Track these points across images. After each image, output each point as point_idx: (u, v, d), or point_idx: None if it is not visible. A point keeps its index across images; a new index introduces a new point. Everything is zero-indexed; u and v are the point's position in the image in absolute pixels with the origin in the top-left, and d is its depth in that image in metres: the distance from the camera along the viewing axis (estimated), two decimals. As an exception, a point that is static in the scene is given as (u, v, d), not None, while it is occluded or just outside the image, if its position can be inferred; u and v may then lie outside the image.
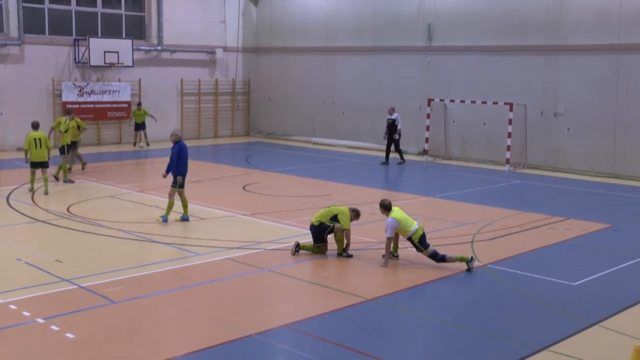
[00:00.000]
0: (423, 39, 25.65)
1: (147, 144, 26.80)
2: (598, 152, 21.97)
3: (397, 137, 23.25)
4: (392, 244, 11.65)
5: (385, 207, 11.63)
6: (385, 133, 23.57)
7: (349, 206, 12.44)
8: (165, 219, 14.10)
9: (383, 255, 11.64)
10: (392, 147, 23.45)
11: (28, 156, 16.72)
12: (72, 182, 18.48)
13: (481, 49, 24.20)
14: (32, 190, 16.95)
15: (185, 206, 14.35)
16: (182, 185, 14.28)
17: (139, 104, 27.16)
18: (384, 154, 23.70)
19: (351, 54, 28.21)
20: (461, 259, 11.34)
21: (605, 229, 14.58)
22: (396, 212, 11.52)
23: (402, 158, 23.55)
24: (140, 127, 26.89)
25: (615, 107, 21.49)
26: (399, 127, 23.28)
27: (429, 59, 25.61)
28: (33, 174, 16.97)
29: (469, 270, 11.24)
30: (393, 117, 23.34)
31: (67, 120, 18.82)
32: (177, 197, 14.36)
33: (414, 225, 11.44)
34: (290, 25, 30.27)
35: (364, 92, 27.77)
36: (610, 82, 21.53)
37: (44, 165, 16.95)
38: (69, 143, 18.61)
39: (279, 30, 30.72)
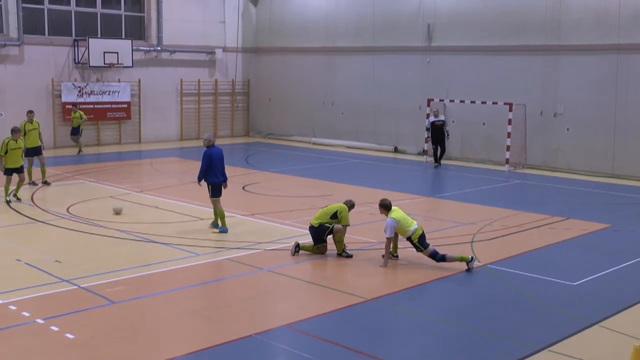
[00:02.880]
0: (423, 39, 25.65)
1: (80, 151, 24.56)
2: (598, 152, 21.97)
3: (448, 139, 23.05)
4: (391, 244, 11.66)
5: (386, 207, 11.62)
6: (429, 136, 23.22)
7: (345, 200, 12.42)
8: (223, 230, 13.47)
9: (383, 256, 11.65)
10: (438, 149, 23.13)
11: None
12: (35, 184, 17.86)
13: (481, 49, 24.20)
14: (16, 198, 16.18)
15: (221, 217, 13.53)
16: (215, 194, 13.51)
17: (75, 105, 25.02)
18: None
19: (351, 54, 28.20)
20: (461, 259, 11.34)
21: (605, 228, 14.58)
22: (395, 212, 11.51)
23: (439, 160, 23.25)
24: (74, 131, 24.56)
25: (615, 107, 21.49)
26: (447, 128, 23.10)
27: (429, 59, 25.61)
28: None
29: (468, 270, 11.24)
30: (442, 118, 23.04)
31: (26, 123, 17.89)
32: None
33: (413, 225, 11.44)
34: (290, 26, 30.26)
35: (363, 92, 27.77)
36: (610, 82, 21.53)
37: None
38: (32, 146, 17.69)
39: (279, 31, 30.71)
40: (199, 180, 13.57)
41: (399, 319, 9.40)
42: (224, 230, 13.50)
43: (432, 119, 23.13)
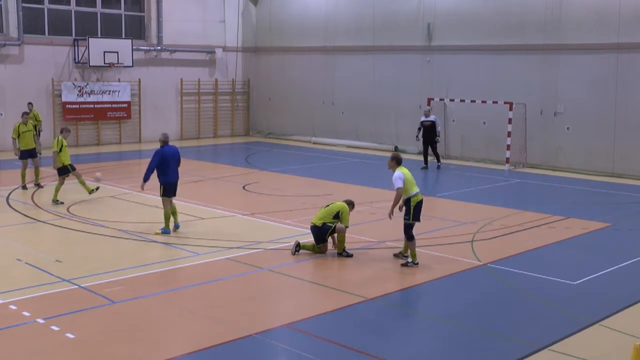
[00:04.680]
0: (422, 38, 25.65)
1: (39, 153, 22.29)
2: (598, 151, 21.96)
3: (438, 140, 22.45)
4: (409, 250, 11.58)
5: (398, 161, 11.58)
6: (418, 135, 22.69)
7: (344, 199, 12.47)
8: (165, 231, 13.29)
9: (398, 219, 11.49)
10: (430, 150, 22.54)
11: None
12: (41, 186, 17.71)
13: (481, 48, 24.20)
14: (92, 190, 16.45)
15: (174, 213, 13.38)
16: (167, 194, 13.21)
17: (30, 104, 22.59)
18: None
19: (351, 54, 28.20)
20: (413, 255, 11.43)
21: (605, 228, 14.58)
22: (404, 169, 11.55)
23: (439, 161, 22.71)
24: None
25: (615, 106, 21.49)
26: (439, 129, 22.34)
27: (429, 58, 25.61)
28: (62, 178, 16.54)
29: (404, 264, 11.37)
30: (431, 118, 22.29)
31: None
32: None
33: (416, 189, 11.48)
34: (290, 25, 30.27)
35: (363, 92, 27.76)
36: (609, 82, 21.53)
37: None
38: (26, 148, 17.47)
39: (279, 30, 30.72)
40: (144, 180, 13.21)
41: (399, 318, 9.40)
42: (167, 231, 13.21)
43: (422, 118, 22.64)
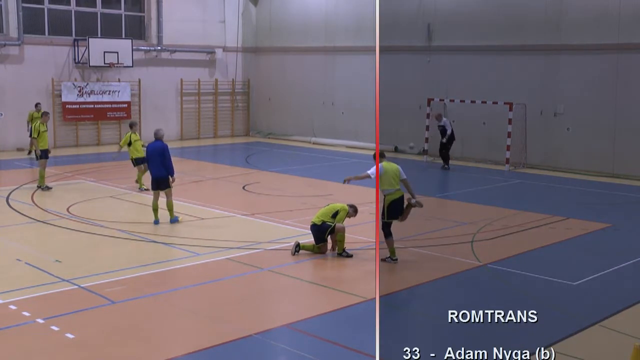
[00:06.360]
0: (422, 38, 25.64)
1: (31, 152, 22.42)
2: (598, 152, 21.95)
3: (444, 141, 22.63)
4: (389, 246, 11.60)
5: (383, 156, 11.81)
6: (443, 140, 22.92)
7: (347, 203, 12.51)
8: (155, 222, 14.00)
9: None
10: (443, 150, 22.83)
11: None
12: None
13: (480, 48, 24.19)
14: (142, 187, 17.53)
15: (169, 210, 14.11)
16: (152, 186, 14.13)
17: (38, 105, 22.61)
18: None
19: (351, 54, 28.21)
20: (391, 252, 11.50)
21: (605, 228, 14.57)
22: (388, 163, 11.66)
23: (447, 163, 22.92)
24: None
25: (615, 106, 21.49)
26: (448, 132, 22.57)
27: (429, 58, 25.61)
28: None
29: (383, 260, 11.42)
30: (442, 123, 22.68)
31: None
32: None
33: (391, 187, 11.48)
34: (290, 25, 30.27)
35: (363, 92, 27.75)
36: (610, 82, 21.52)
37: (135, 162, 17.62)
38: (43, 149, 17.56)
39: (279, 30, 30.72)
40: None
41: (399, 318, 9.39)
42: (156, 221, 14.01)
43: (435, 122, 23.09)
